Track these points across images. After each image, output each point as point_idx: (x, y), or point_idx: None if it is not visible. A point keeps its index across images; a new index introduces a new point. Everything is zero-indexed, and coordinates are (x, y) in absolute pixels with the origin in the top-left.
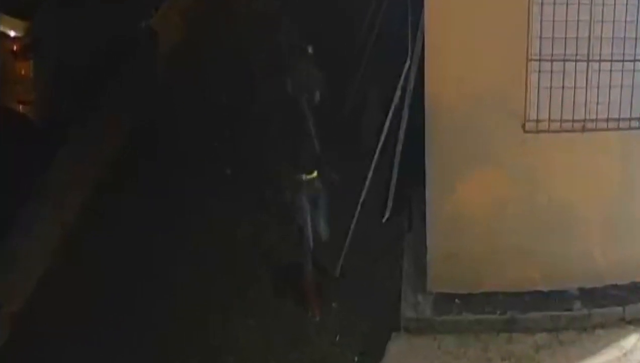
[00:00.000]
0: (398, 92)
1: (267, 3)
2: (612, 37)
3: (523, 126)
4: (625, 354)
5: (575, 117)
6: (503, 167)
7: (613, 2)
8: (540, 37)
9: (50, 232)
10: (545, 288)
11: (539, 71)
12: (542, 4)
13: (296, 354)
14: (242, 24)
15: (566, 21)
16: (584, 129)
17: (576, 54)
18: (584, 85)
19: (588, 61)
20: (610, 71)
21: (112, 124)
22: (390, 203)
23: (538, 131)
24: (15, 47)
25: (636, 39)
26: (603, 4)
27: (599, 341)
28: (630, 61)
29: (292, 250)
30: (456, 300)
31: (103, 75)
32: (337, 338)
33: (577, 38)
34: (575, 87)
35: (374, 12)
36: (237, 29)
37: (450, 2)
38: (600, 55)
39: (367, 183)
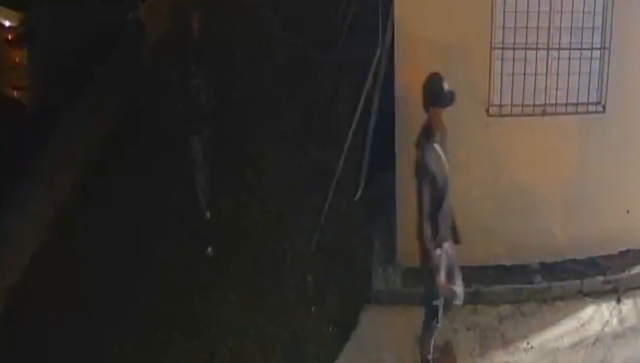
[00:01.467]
0: (370, 79)
1: None
2: (571, 27)
3: (487, 110)
4: (582, 325)
5: (536, 102)
6: (468, 149)
7: None
8: (503, 27)
9: (43, 210)
10: (508, 263)
11: (502, 59)
12: None
13: (274, 325)
14: (227, 14)
15: (527, 12)
16: (544, 113)
17: (537, 43)
18: (544, 72)
19: (548, 49)
20: (569, 58)
21: (100, 109)
22: (362, 182)
23: (501, 115)
24: (10, 37)
25: (593, 28)
26: None
27: (558, 312)
28: (588, 49)
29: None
30: None
31: (92, 63)
32: (313, 309)
33: (537, 28)
34: (536, 74)
35: (347, 4)
36: (222, 20)
37: None
38: (559, 43)
39: (341, 163)
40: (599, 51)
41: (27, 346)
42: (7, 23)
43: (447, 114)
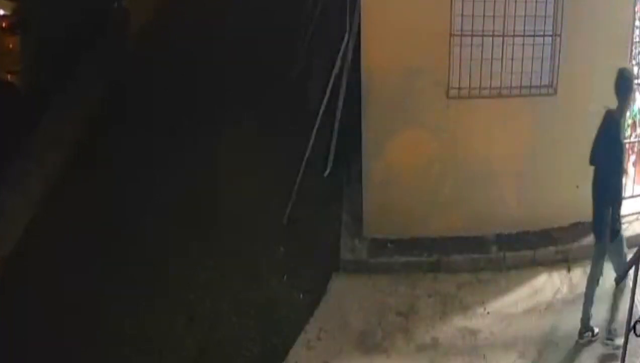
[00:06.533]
0: (338, 63)
1: None
2: (525, 15)
3: (447, 92)
4: (535, 292)
5: (492, 85)
6: (429, 129)
7: None
8: (462, 15)
9: (35, 186)
10: (466, 234)
11: (461, 45)
12: None
13: (249, 292)
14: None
15: (484, 1)
16: (499, 95)
17: (493, 30)
18: (500, 57)
19: (503, 35)
20: (523, 45)
21: (87, 91)
22: (331, 160)
23: (460, 97)
24: (4, 24)
25: (545, 16)
26: None
27: (513, 280)
28: (540, 35)
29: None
30: (388, 245)
31: (80, 49)
32: (285, 278)
33: (493, 16)
34: (492, 59)
35: None
36: (202, 9)
37: None
38: (514, 31)
39: (311, 142)
40: (550, 38)
41: (20, 311)
42: (1, 12)
43: (410, 96)
